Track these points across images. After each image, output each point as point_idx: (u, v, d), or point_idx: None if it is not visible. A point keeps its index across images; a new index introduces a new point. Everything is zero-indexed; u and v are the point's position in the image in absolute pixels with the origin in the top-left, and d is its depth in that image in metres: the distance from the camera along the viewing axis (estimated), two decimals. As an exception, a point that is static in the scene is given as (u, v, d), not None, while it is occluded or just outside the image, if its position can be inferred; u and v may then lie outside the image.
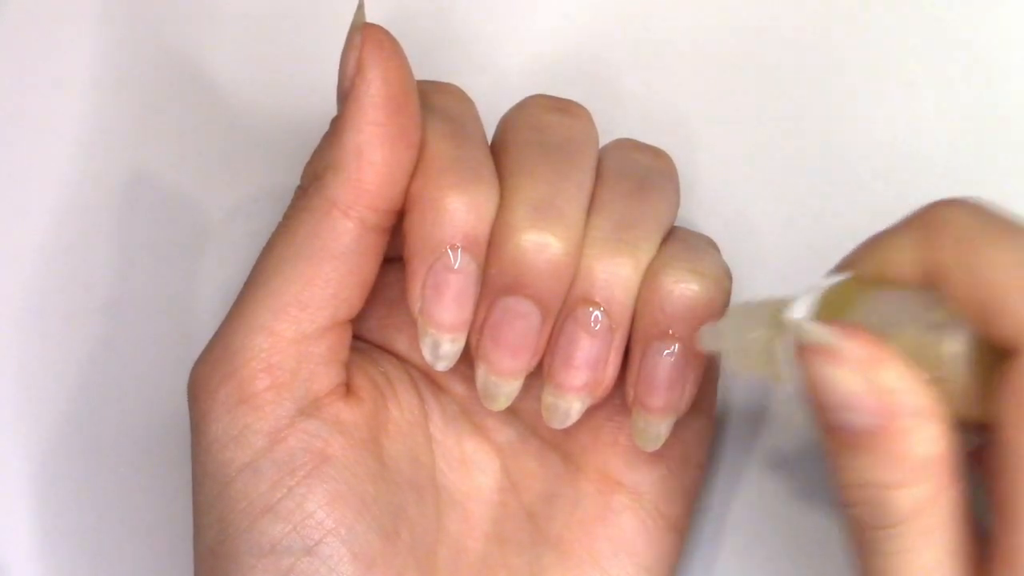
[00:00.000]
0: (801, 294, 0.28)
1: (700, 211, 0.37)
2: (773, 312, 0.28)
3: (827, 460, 0.27)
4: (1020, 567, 0.25)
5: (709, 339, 0.29)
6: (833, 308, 0.28)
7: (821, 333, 0.26)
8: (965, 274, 0.26)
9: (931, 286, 0.27)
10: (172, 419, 0.35)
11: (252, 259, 0.31)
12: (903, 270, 0.28)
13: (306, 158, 0.31)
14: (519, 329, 0.30)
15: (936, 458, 0.26)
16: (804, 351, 0.26)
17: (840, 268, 0.29)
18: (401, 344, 0.33)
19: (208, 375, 0.30)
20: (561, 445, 0.33)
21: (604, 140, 0.34)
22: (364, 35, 0.30)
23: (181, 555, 0.32)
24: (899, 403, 0.26)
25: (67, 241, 0.40)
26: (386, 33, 0.30)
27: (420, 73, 0.31)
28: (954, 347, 0.26)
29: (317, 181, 0.30)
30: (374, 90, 0.29)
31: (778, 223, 0.38)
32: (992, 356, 0.26)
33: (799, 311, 0.28)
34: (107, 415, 0.38)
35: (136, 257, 0.40)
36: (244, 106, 0.40)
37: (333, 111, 0.31)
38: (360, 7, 0.30)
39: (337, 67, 0.30)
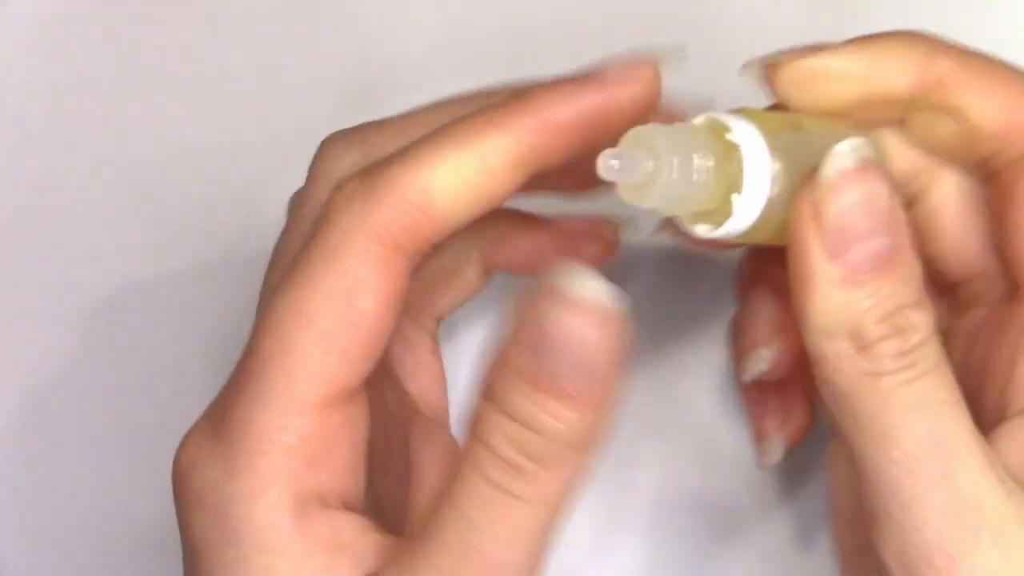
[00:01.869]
0: (733, 120, 0.27)
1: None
2: (706, 135, 0.26)
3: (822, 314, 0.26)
4: None
5: (623, 169, 0.26)
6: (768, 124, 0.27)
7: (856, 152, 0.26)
8: (976, 95, 0.27)
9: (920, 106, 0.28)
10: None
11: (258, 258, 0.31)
12: (900, 80, 0.28)
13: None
14: None
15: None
16: (845, 178, 0.26)
17: (834, 58, 0.29)
18: None
19: None
20: None
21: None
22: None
23: None
24: (903, 221, 0.26)
25: (66, 239, 0.40)
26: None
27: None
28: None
29: None
30: None
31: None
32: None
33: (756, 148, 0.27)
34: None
35: (133, 255, 0.40)
36: (246, 105, 0.40)
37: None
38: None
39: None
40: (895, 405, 0.26)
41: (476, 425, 0.25)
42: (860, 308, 0.26)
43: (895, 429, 0.26)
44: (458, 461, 0.25)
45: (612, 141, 0.26)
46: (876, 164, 0.26)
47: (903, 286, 0.26)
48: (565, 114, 0.27)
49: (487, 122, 0.27)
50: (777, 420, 0.33)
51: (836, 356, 0.26)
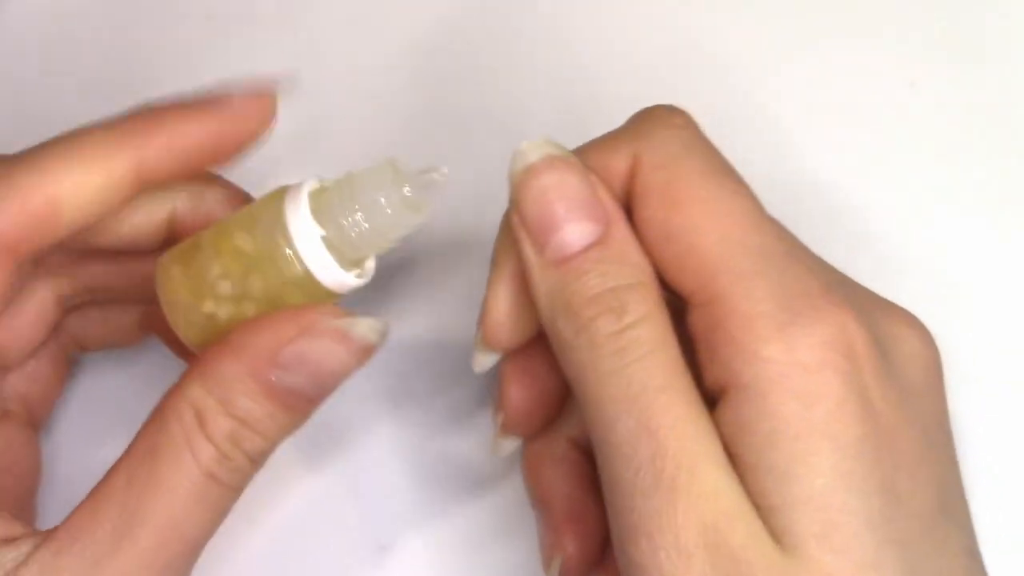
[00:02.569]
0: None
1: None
2: (374, 179, 0.29)
3: (550, 299, 0.28)
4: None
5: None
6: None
7: (542, 147, 0.28)
8: (657, 209, 0.28)
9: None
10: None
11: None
12: (617, 178, 0.29)
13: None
14: None
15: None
16: (530, 171, 0.28)
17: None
18: None
19: None
20: None
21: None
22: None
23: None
24: (606, 205, 0.28)
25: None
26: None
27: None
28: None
29: None
30: None
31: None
32: None
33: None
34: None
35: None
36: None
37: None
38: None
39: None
40: (609, 394, 0.27)
41: (193, 416, 0.27)
42: (570, 289, 0.28)
43: (611, 420, 0.27)
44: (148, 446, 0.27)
45: (227, 160, 0.29)
46: (560, 155, 0.28)
47: (614, 267, 0.28)
48: (188, 136, 0.29)
49: (115, 137, 0.29)
50: None
51: (558, 337, 0.28)
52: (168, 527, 0.27)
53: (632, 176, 0.29)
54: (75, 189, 0.28)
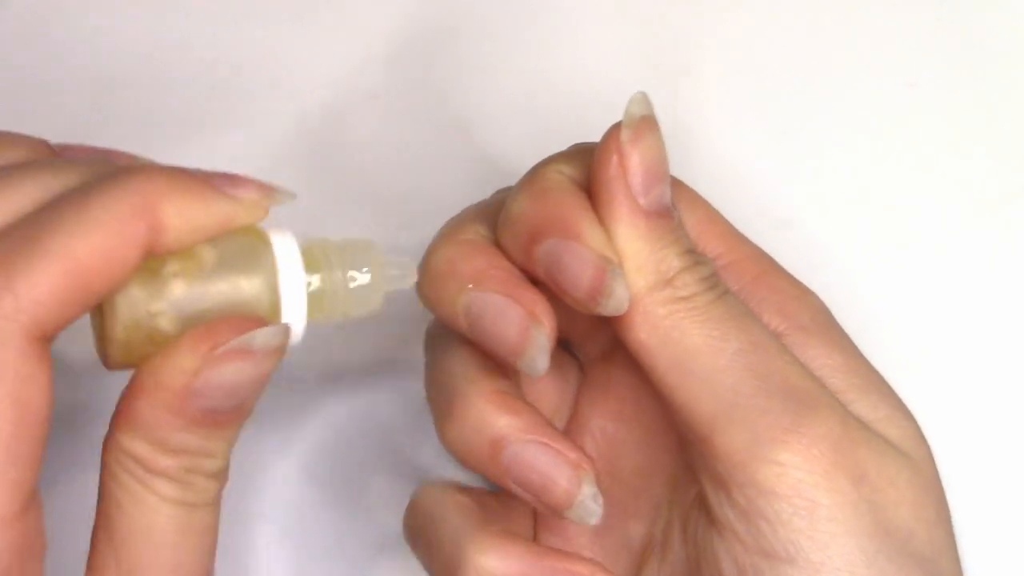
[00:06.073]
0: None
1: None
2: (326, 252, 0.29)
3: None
4: None
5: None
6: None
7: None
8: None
9: None
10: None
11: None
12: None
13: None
14: None
15: None
16: (651, 122, 0.30)
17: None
18: None
19: None
20: None
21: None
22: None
23: None
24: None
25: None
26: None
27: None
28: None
29: None
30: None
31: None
32: None
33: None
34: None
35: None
36: (245, 106, 0.40)
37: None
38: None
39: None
40: (715, 318, 0.29)
41: (135, 463, 0.27)
42: (664, 243, 0.29)
43: (719, 340, 0.29)
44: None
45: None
46: (655, 119, 0.30)
47: (684, 229, 0.30)
48: (205, 218, 0.27)
49: (129, 206, 0.26)
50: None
51: (648, 288, 0.29)
52: (169, 565, 0.27)
53: None
54: (102, 257, 0.26)
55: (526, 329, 0.29)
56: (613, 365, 0.33)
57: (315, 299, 0.28)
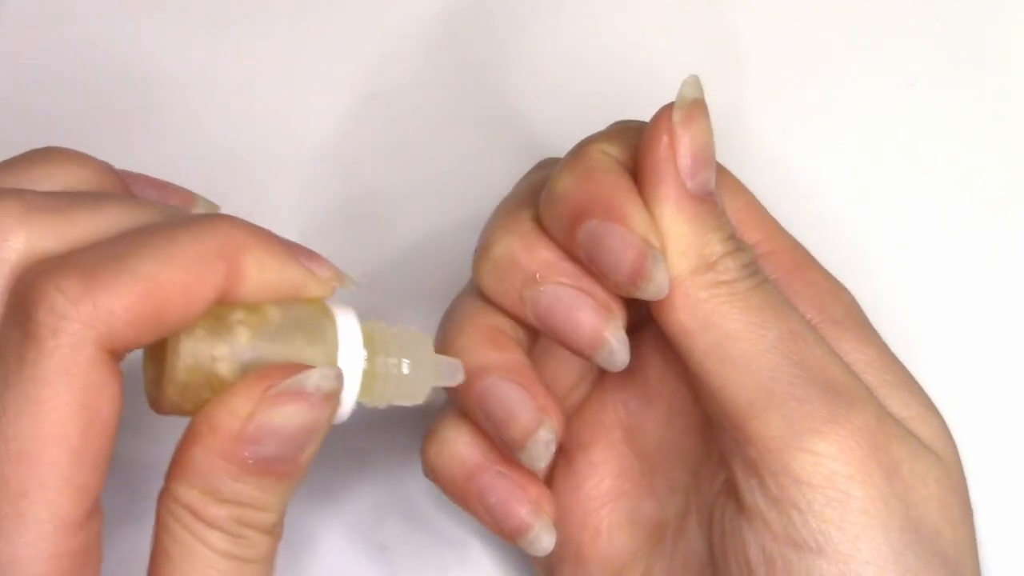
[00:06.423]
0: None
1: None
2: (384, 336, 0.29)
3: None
4: None
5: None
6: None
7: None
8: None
9: None
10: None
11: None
12: None
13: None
14: None
15: None
16: (703, 106, 0.30)
17: None
18: None
19: None
20: None
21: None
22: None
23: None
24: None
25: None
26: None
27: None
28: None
29: None
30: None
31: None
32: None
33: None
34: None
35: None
36: (244, 108, 0.40)
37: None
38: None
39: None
40: (755, 305, 0.29)
41: (187, 513, 0.26)
42: (709, 227, 0.29)
43: (759, 327, 0.29)
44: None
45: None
46: (705, 103, 0.30)
47: (727, 215, 0.30)
48: (280, 279, 0.27)
49: (211, 250, 0.26)
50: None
51: (691, 271, 0.29)
52: None
53: None
54: (181, 288, 0.26)
55: (604, 323, 0.29)
56: (640, 345, 0.32)
57: (367, 380, 0.28)
